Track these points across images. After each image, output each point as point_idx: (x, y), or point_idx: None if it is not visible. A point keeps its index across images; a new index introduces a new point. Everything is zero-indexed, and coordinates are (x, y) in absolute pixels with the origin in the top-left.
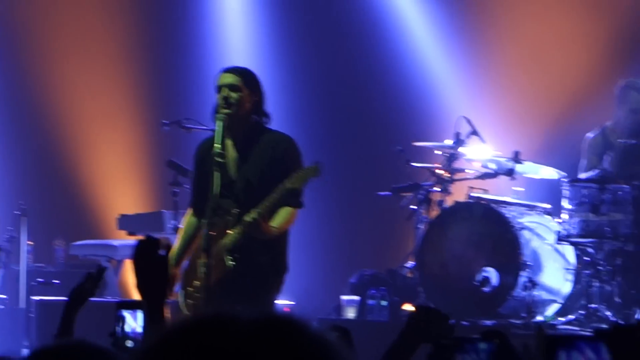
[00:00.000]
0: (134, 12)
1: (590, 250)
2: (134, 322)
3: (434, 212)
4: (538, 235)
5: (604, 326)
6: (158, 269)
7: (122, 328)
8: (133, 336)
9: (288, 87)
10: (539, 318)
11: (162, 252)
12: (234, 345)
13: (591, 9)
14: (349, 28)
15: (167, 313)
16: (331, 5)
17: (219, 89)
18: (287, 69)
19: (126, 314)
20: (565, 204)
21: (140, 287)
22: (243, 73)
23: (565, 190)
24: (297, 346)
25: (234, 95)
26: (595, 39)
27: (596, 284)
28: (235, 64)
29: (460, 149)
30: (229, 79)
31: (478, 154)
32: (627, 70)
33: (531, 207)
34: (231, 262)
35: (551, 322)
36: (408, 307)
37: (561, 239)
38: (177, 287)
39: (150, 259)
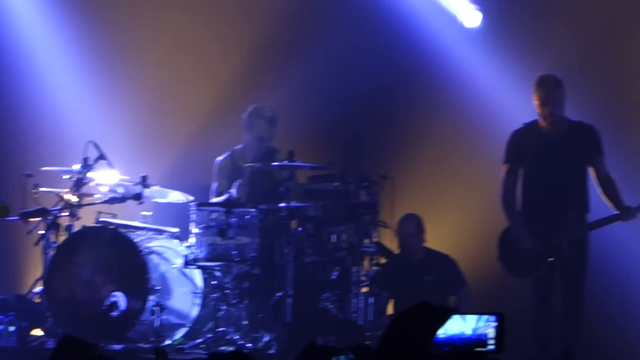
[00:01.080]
0: None
1: (217, 273)
2: None
3: (62, 237)
4: (166, 259)
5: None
6: None
7: None
8: None
9: None
10: (168, 342)
11: None
12: None
13: (216, 43)
14: None
15: None
16: None
17: None
18: None
19: None
20: (193, 227)
21: None
22: None
23: (193, 214)
24: None
25: None
26: (227, 63)
27: (224, 307)
28: None
29: (88, 174)
30: None
31: (106, 178)
32: (256, 95)
33: (160, 232)
34: None
35: (179, 345)
36: (37, 332)
37: (188, 262)
38: None
39: None
